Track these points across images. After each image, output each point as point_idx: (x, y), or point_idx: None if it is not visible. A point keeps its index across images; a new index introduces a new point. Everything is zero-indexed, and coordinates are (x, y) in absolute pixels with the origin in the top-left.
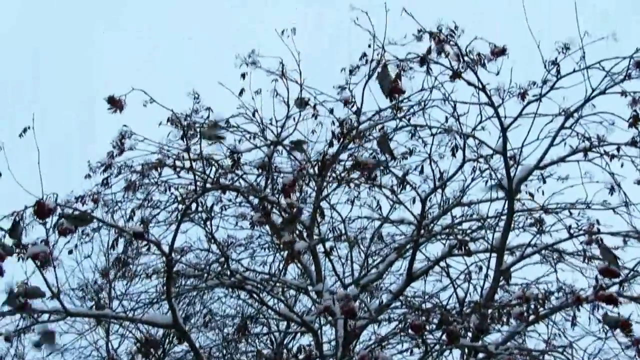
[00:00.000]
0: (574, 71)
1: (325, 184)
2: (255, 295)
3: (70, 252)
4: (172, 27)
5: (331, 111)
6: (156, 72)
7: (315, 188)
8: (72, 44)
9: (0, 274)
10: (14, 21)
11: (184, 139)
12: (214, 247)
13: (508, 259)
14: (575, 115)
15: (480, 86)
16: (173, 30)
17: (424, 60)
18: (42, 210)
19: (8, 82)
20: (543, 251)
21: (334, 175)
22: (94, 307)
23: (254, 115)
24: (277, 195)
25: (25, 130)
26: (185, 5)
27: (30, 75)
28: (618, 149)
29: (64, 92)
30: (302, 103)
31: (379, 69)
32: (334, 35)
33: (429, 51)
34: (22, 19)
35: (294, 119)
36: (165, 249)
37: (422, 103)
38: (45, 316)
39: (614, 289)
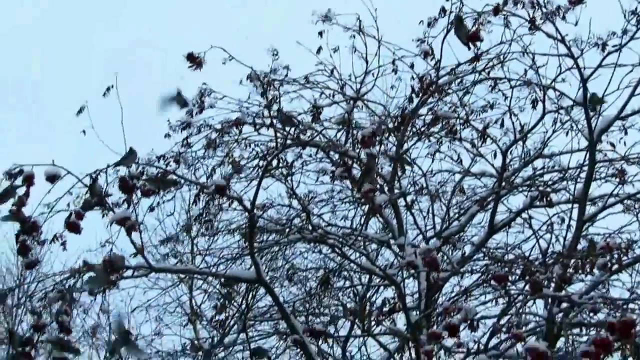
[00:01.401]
0: None
1: (405, 138)
2: (337, 250)
3: (152, 209)
4: None
5: (411, 66)
6: (235, 32)
7: (396, 142)
8: None
9: (78, 232)
10: None
11: (264, 96)
12: (295, 202)
13: (590, 209)
14: None
15: (559, 37)
16: None
17: (497, 10)
18: (126, 185)
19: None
20: (625, 201)
21: (414, 129)
22: (177, 263)
23: (332, 72)
24: (357, 150)
25: (108, 89)
26: None
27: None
28: None
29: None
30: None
31: (455, 20)
32: None
33: (505, 2)
34: None
35: (373, 74)
36: (247, 205)
37: (501, 56)
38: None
39: None
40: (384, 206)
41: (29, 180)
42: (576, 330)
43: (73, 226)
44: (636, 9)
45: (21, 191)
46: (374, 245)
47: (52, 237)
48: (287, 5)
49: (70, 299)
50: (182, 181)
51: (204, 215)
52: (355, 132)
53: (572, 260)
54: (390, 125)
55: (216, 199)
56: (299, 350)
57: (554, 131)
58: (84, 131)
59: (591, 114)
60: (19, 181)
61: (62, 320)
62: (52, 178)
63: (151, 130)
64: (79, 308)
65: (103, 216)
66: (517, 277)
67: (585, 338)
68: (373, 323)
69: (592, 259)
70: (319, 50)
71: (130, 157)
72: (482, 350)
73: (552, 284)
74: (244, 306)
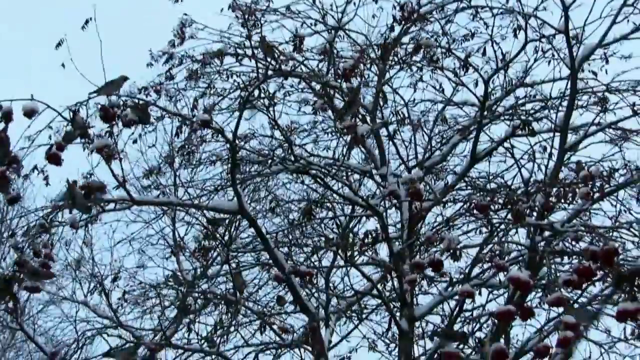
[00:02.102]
0: None
1: (387, 68)
2: (319, 180)
3: (135, 141)
4: None
5: None
6: None
7: (377, 72)
8: None
9: (58, 163)
10: None
11: (245, 26)
12: (277, 133)
13: (572, 138)
14: None
15: None
16: None
17: None
18: (107, 114)
19: None
20: (607, 129)
21: (395, 59)
22: (160, 195)
23: (314, 1)
24: (339, 81)
25: (87, 22)
26: None
27: None
28: None
29: None
30: None
31: None
32: None
33: None
34: None
35: (354, 3)
36: (229, 136)
37: None
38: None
39: None
40: (366, 136)
41: (7, 116)
42: (558, 259)
43: (54, 157)
44: None
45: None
46: (356, 176)
47: (32, 168)
48: None
49: (50, 230)
50: (163, 112)
51: (186, 147)
52: (337, 62)
53: (554, 189)
54: (372, 55)
55: (198, 130)
56: (281, 285)
57: (535, 60)
58: (62, 64)
59: (572, 42)
60: None
61: (38, 250)
62: (30, 113)
63: (132, 61)
64: (61, 241)
65: (84, 149)
66: (500, 206)
67: (567, 267)
68: (356, 253)
69: (575, 186)
70: None
71: (112, 84)
72: (464, 280)
73: (535, 213)
74: (226, 237)
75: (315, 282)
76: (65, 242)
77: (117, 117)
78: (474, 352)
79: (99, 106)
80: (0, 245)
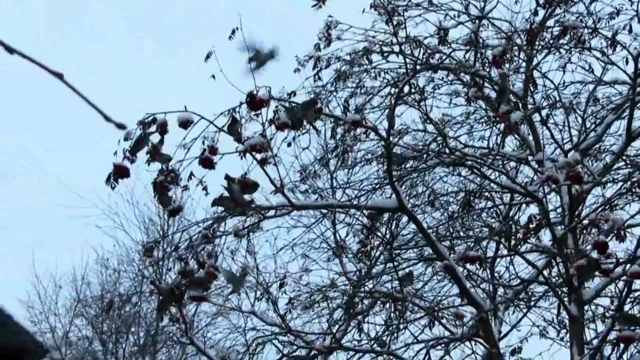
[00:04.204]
0: None
1: (534, 53)
2: (476, 171)
3: (289, 144)
4: None
5: None
6: None
7: (525, 58)
8: None
9: (212, 167)
10: None
11: (389, 23)
12: (430, 127)
13: None
14: None
15: None
16: None
17: None
18: (254, 101)
19: None
20: None
21: (542, 43)
22: (318, 198)
23: None
24: (487, 69)
25: (234, 32)
26: None
27: None
28: None
29: None
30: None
31: None
32: None
33: None
34: None
35: None
36: (383, 133)
37: None
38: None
39: None
40: (520, 123)
41: (162, 127)
42: None
43: (207, 162)
44: None
45: (155, 138)
46: (512, 164)
47: (189, 176)
48: None
49: (212, 240)
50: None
51: (340, 147)
52: (483, 51)
53: None
54: (519, 41)
55: (352, 130)
56: (448, 275)
57: None
58: (213, 76)
59: None
60: (152, 129)
61: (203, 261)
62: (185, 124)
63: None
64: (225, 251)
65: (241, 157)
66: None
67: None
68: (519, 241)
69: None
70: None
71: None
72: (632, 260)
73: None
74: (388, 236)
75: (480, 272)
76: (230, 252)
77: (264, 103)
78: None
79: (248, 93)
80: (165, 261)
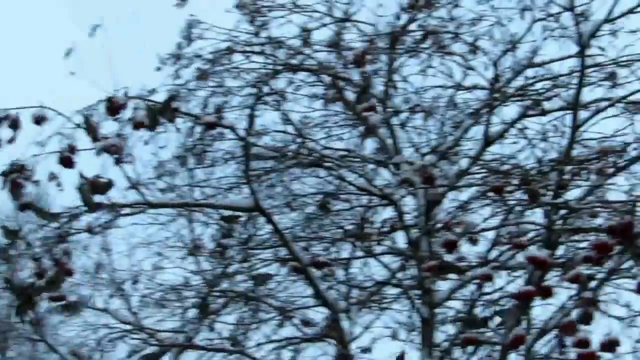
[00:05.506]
0: None
1: (396, 56)
2: (333, 172)
3: (147, 143)
4: None
5: None
6: None
7: (387, 61)
8: None
9: (71, 166)
10: None
11: (253, 24)
12: (289, 128)
13: (583, 114)
14: None
15: None
16: None
17: None
18: (113, 106)
19: None
20: (618, 104)
21: (404, 47)
22: (175, 197)
23: None
24: (348, 71)
25: (95, 29)
26: None
27: None
28: None
29: None
30: None
31: None
32: None
33: None
34: None
35: None
36: (241, 133)
37: None
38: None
39: None
40: (379, 127)
41: (15, 123)
42: (576, 237)
43: (67, 160)
44: None
45: (8, 134)
46: (371, 166)
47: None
48: None
49: (66, 239)
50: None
51: (199, 146)
52: (345, 53)
53: (568, 167)
54: (381, 45)
55: (209, 129)
56: (302, 276)
57: (544, 39)
58: (72, 72)
59: (579, 18)
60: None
61: (58, 259)
62: (40, 120)
63: (140, 66)
64: (79, 248)
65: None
66: (515, 187)
67: (585, 244)
68: (374, 243)
69: (588, 163)
70: None
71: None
72: (483, 263)
73: (550, 192)
74: (245, 236)
75: (334, 274)
76: (83, 247)
77: (123, 107)
78: (494, 334)
79: (107, 98)
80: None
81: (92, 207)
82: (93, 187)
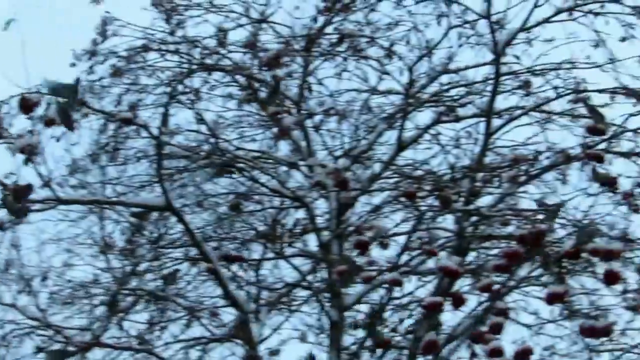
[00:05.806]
0: None
1: (311, 59)
2: (246, 173)
3: (58, 140)
4: None
5: None
6: None
7: (302, 64)
8: None
9: None
10: None
11: (168, 22)
12: (203, 128)
13: (497, 122)
14: None
15: None
16: None
17: None
18: (26, 104)
19: None
20: (531, 112)
21: (320, 49)
22: (87, 193)
23: None
24: (263, 72)
25: (9, 23)
26: None
27: None
28: (602, 6)
29: None
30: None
31: None
32: None
33: None
34: None
35: None
36: (154, 131)
37: None
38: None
39: (602, 146)
40: (293, 128)
41: None
42: (487, 244)
43: None
44: None
45: None
46: (284, 168)
47: None
48: None
49: None
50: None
51: (111, 144)
52: (261, 54)
53: (480, 174)
54: (297, 47)
55: (123, 127)
56: (212, 276)
57: (459, 46)
58: None
59: (495, 27)
60: None
61: None
62: None
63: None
64: None
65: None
66: (427, 192)
67: (495, 251)
68: (285, 245)
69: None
70: None
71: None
72: (392, 268)
73: (462, 198)
74: (154, 234)
75: (244, 274)
76: None
77: (36, 105)
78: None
79: (20, 95)
80: None
81: (18, 212)
82: (15, 194)
